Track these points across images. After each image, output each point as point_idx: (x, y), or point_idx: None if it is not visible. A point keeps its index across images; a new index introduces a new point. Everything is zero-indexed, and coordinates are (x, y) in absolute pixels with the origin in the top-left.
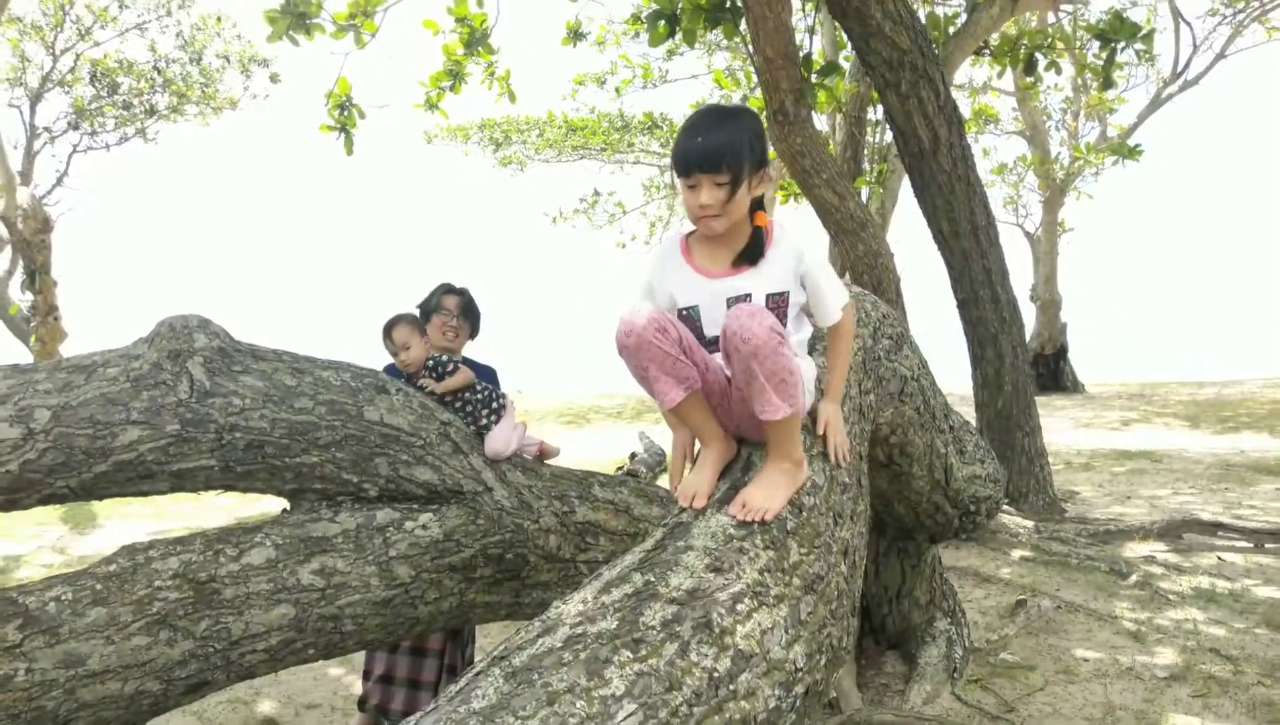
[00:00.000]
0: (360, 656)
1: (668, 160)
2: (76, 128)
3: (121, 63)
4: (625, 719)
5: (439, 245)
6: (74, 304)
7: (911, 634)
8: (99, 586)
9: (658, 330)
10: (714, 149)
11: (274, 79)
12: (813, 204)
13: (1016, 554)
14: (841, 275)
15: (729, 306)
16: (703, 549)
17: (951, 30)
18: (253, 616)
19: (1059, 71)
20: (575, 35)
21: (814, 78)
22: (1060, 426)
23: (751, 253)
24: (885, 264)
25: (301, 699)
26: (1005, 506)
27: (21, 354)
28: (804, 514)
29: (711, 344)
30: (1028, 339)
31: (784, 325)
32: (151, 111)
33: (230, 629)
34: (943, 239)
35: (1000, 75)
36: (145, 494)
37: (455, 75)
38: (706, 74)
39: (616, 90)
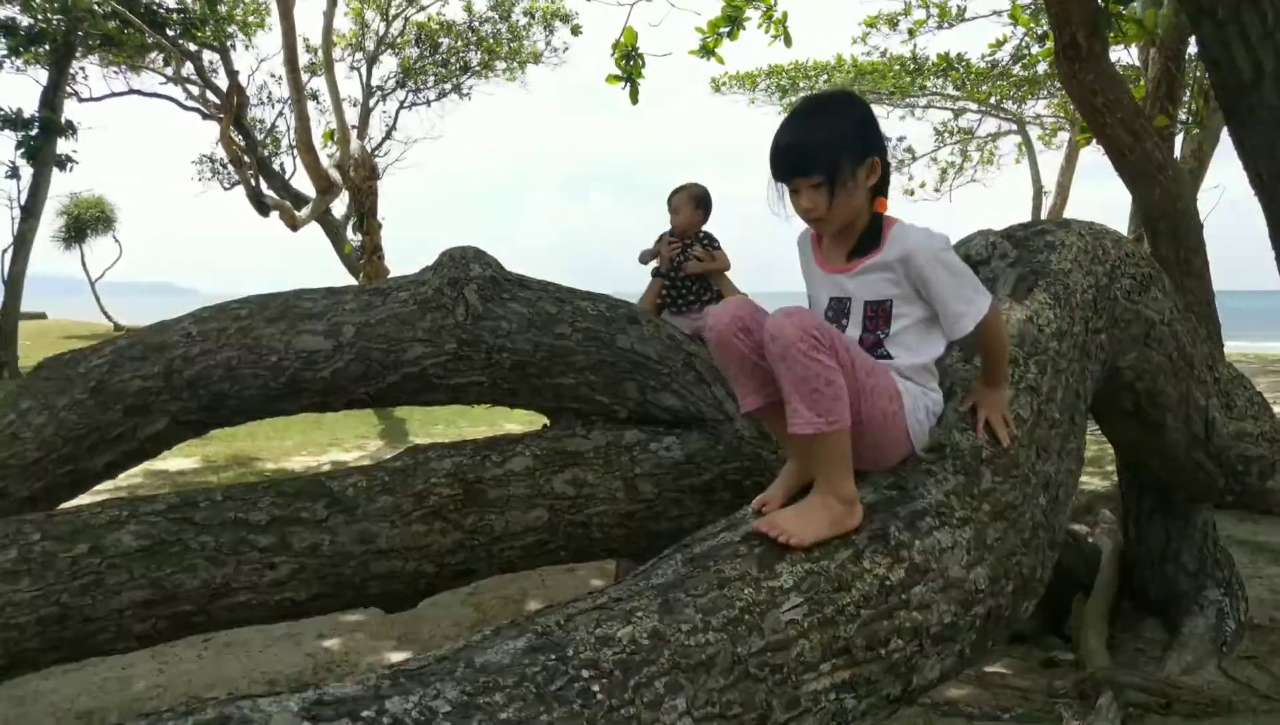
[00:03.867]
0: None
1: (962, 103)
2: (403, 85)
3: (442, 24)
4: (790, 609)
5: (723, 194)
6: (397, 244)
7: (1176, 602)
8: (387, 478)
9: (740, 330)
10: (803, 151)
11: (575, 31)
12: (1104, 145)
13: None
14: (1138, 224)
15: (828, 305)
16: (889, 468)
17: None
18: (512, 517)
19: None
20: None
21: (1119, 7)
22: None
23: (864, 245)
24: (1185, 209)
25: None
26: None
27: None
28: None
29: None
30: None
31: (885, 334)
32: (466, 68)
33: (493, 526)
34: (1262, 183)
35: None
36: (428, 403)
37: (734, 21)
38: (1008, 8)
39: (910, 31)
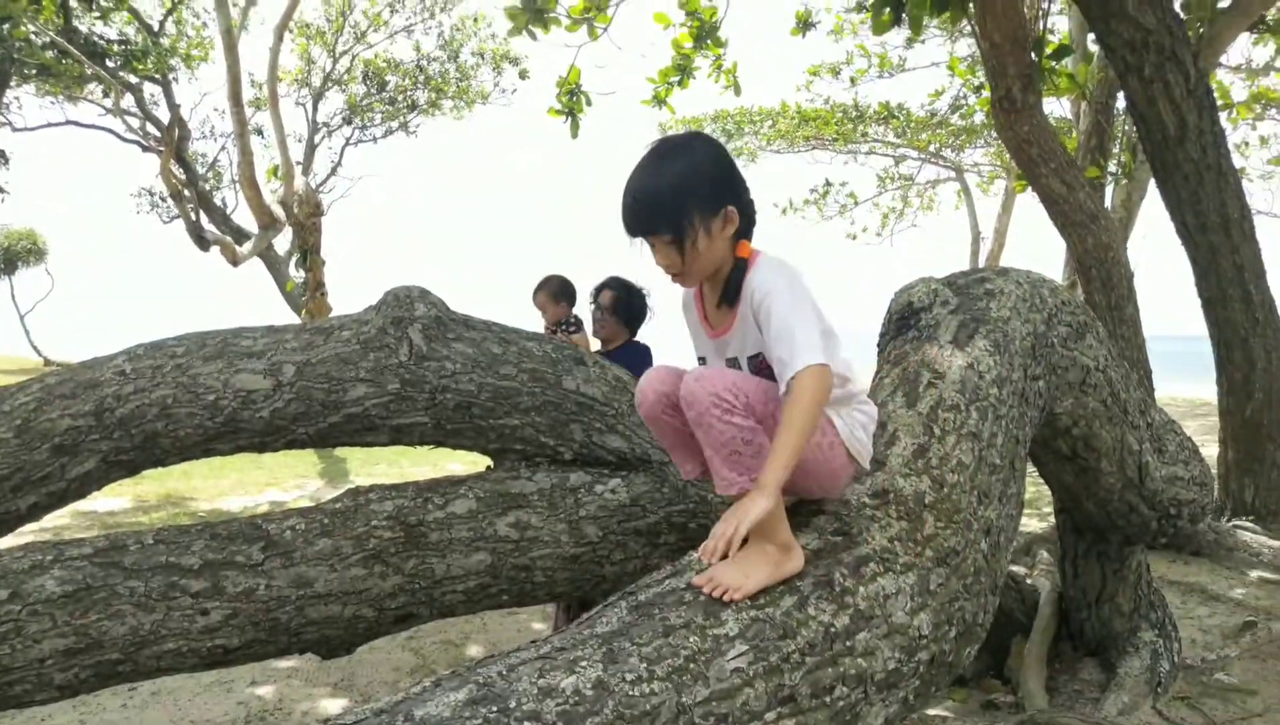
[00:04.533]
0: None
1: (903, 151)
2: (349, 122)
3: (389, 62)
4: (735, 657)
5: None
6: (341, 280)
7: (1112, 642)
8: (326, 521)
9: (667, 407)
10: (648, 208)
11: (523, 75)
12: (1039, 195)
13: (1255, 574)
14: (1072, 272)
15: (726, 365)
16: (834, 513)
17: (1221, 4)
18: (454, 560)
19: None
20: (804, 25)
21: (1052, 62)
22: None
23: (729, 294)
24: (1116, 257)
25: (507, 647)
26: (1247, 523)
27: None
28: (945, 489)
29: None
30: None
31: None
32: (413, 106)
33: (434, 569)
34: (1187, 232)
35: None
36: (370, 444)
37: (683, 70)
38: (946, 60)
39: (851, 80)
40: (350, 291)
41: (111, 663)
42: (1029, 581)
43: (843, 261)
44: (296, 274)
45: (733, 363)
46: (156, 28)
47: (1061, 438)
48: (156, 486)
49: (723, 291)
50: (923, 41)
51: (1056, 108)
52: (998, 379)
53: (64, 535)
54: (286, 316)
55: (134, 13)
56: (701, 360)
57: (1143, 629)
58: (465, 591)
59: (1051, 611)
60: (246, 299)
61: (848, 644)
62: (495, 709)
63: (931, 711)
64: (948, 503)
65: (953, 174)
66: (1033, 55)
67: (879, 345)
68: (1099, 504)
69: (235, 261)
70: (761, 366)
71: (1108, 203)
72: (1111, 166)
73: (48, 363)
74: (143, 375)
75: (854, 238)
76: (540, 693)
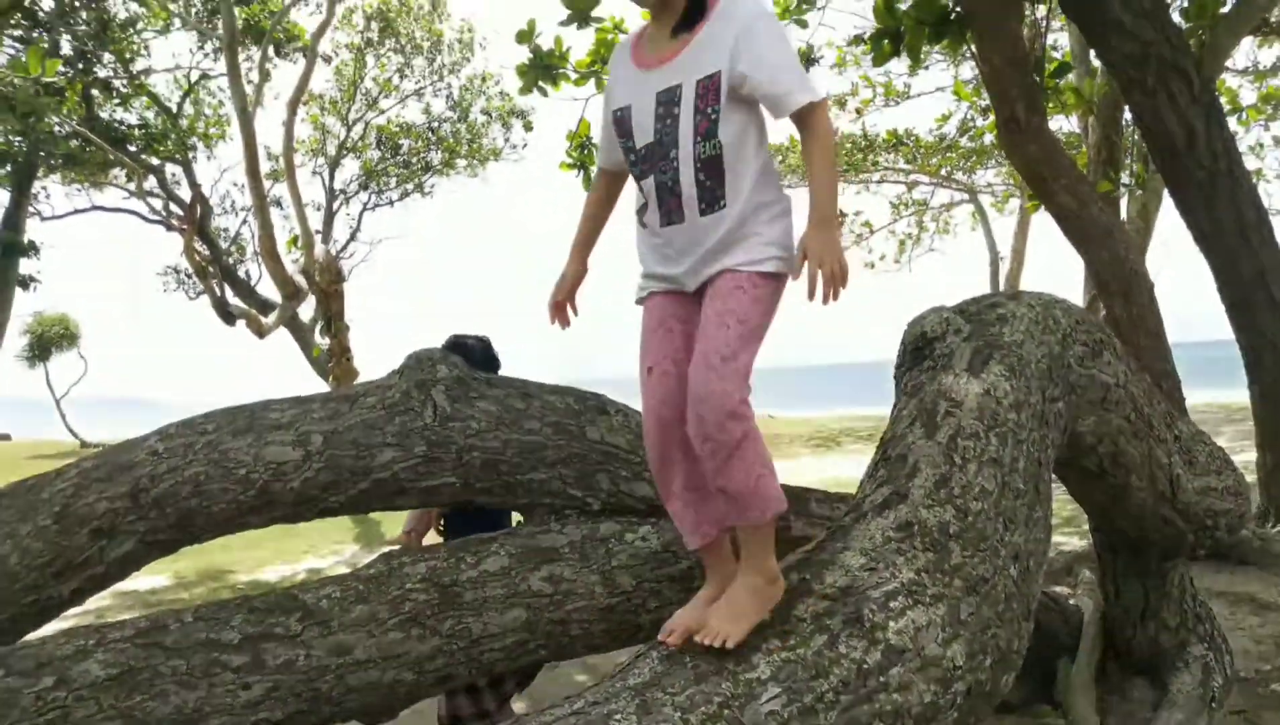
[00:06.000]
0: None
1: (914, 176)
2: (366, 188)
3: (402, 126)
4: (769, 700)
5: None
6: (369, 342)
7: (1161, 659)
8: (361, 587)
9: (675, 446)
10: None
11: (528, 127)
12: (1052, 213)
13: None
14: (1090, 288)
15: (657, 102)
16: (859, 550)
17: (1222, 10)
18: (490, 618)
19: None
20: (808, 61)
21: (1055, 80)
22: None
23: (690, 17)
24: (1134, 270)
25: (549, 702)
26: None
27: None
28: (969, 518)
29: (641, 154)
30: None
31: (715, 111)
32: (427, 167)
33: (471, 628)
34: (1205, 240)
35: None
36: (399, 508)
37: None
38: (951, 85)
39: (857, 111)
40: (380, 353)
41: None
42: (1072, 602)
43: (862, 291)
44: (322, 341)
45: (666, 94)
46: (175, 109)
47: (1087, 456)
48: (195, 562)
49: (687, 8)
50: (926, 68)
51: (1066, 124)
52: (1015, 403)
53: (106, 617)
54: (315, 383)
55: (153, 96)
56: (617, 114)
57: (1191, 643)
58: (503, 648)
59: (1096, 632)
60: (276, 367)
61: (881, 679)
62: None
63: None
64: (973, 531)
65: (966, 197)
66: (1034, 75)
67: (895, 377)
68: (1132, 520)
69: (261, 333)
70: (711, 88)
71: (1124, 215)
72: (1125, 178)
73: (84, 445)
74: (175, 454)
75: (872, 267)
76: None
